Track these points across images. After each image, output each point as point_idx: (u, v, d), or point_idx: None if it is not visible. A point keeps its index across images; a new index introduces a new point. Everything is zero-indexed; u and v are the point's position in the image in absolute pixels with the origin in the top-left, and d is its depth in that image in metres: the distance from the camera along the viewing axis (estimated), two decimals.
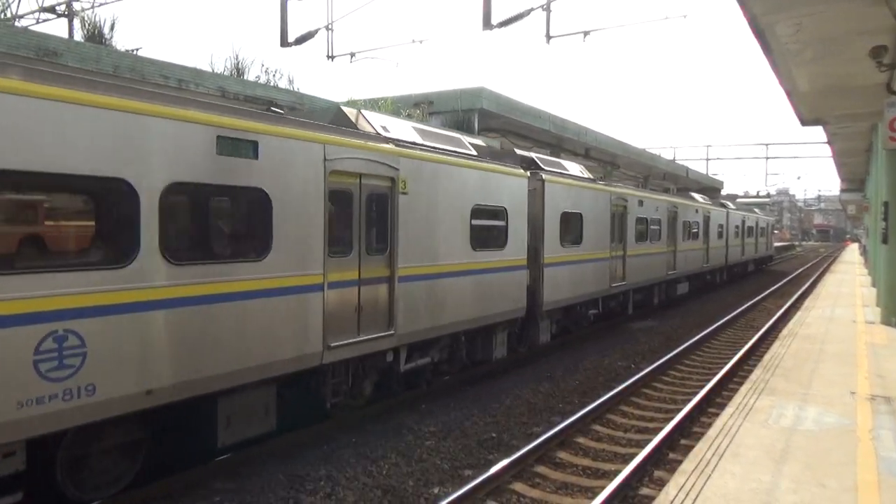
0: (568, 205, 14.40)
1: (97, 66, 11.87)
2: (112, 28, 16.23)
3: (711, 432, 6.86)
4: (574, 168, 16.17)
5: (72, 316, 5.44)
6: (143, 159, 5.91)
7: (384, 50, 16.03)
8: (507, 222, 11.92)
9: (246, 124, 6.89)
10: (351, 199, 8.43)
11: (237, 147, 6.77)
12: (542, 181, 13.41)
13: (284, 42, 15.12)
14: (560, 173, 14.54)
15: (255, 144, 6.97)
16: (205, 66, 16.98)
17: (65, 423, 5.48)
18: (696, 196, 27.95)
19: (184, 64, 13.83)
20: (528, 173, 12.96)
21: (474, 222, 10.91)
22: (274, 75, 19.58)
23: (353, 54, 16.70)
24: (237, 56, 23.70)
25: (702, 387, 11.47)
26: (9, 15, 19.36)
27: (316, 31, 15.32)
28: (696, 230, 25.14)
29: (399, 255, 9.16)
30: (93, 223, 5.87)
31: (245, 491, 7.05)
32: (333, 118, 9.19)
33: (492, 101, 20.64)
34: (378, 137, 9.07)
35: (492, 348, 12.07)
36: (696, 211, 25.32)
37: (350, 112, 9.38)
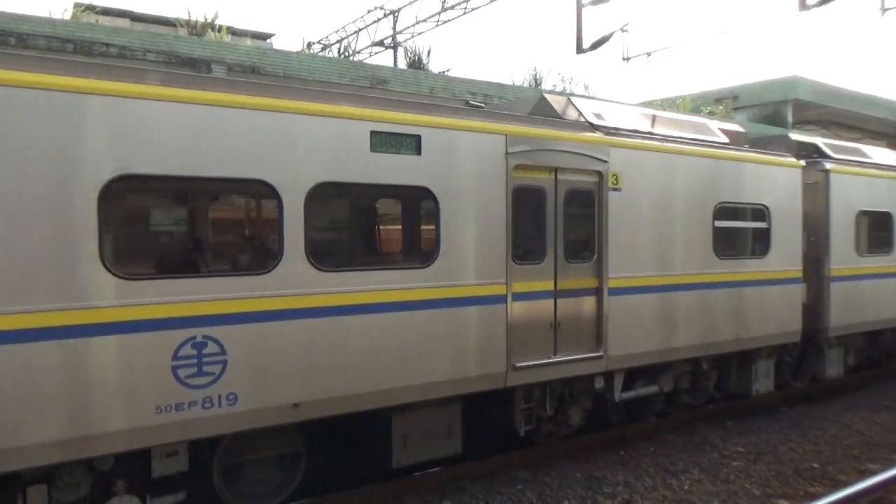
0: (868, 201, 11.14)
1: (417, 88, 13.58)
2: (429, 54, 18.66)
3: None
4: (886, 156, 12.58)
5: (211, 322, 5.30)
6: (285, 159, 5.59)
7: (681, 46, 15.12)
8: (769, 224, 9.51)
9: (404, 117, 6.25)
10: (543, 198, 7.28)
11: (395, 142, 6.16)
12: (826, 172, 10.53)
13: (580, 49, 14.90)
14: (855, 161, 11.34)
15: (416, 139, 6.29)
16: (506, 81, 18.06)
17: (204, 431, 5.35)
18: None
19: (489, 80, 14.46)
20: (803, 163, 10.26)
21: (719, 224, 8.85)
22: (570, 83, 20.22)
23: (648, 54, 16.30)
24: (535, 68, 25.47)
25: None
26: (349, 51, 22.57)
27: (611, 35, 14.93)
28: None
29: (609, 262, 7.70)
30: (230, 227, 5.74)
31: (544, 484, 7.27)
32: (534, 108, 8.13)
33: (808, 90, 18.01)
34: (582, 126, 7.77)
35: (751, 379, 9.71)
36: None
37: (556, 100, 8.23)
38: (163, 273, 5.20)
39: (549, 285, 7.31)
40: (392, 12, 21.48)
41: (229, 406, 5.40)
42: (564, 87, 20.10)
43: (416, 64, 18.39)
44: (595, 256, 7.67)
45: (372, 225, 6.55)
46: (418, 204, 6.47)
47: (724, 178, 8.95)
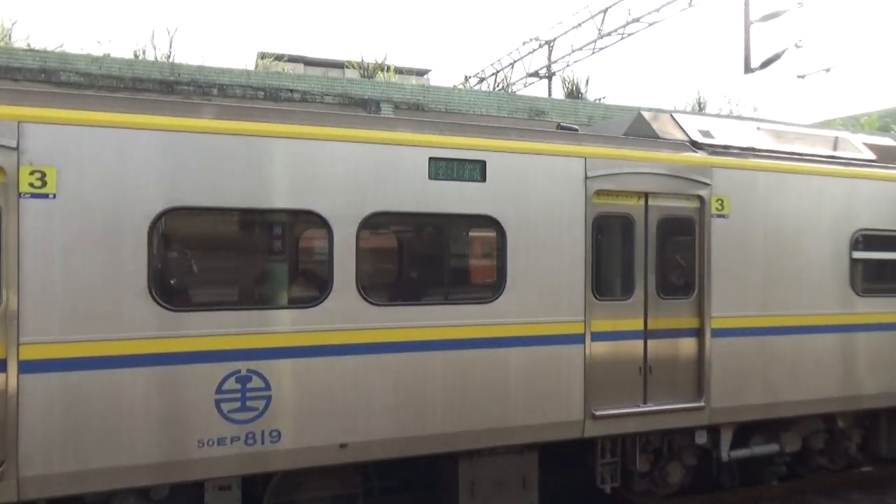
0: None
1: (574, 118, 13.69)
2: (587, 83, 18.30)
3: None
4: None
5: (255, 356, 5.19)
6: (335, 188, 5.40)
7: (864, 59, 14.18)
8: None
9: (467, 141, 5.85)
10: (630, 226, 6.53)
11: (456, 169, 5.78)
12: None
13: (748, 68, 14.28)
14: None
15: (480, 164, 5.86)
16: (667, 105, 18.01)
17: (246, 468, 5.22)
18: None
19: (648, 106, 14.43)
20: None
21: (858, 255, 7.52)
22: (736, 105, 19.83)
23: (827, 70, 15.38)
24: (698, 91, 24.65)
25: None
26: (505, 82, 23.10)
27: (783, 52, 14.20)
28: None
29: (713, 299, 6.75)
30: (277, 259, 5.61)
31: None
32: (630, 128, 7.41)
33: None
34: (679, 145, 6.94)
35: None
36: None
37: (654, 117, 7.44)
38: (205, 306, 5.17)
39: (638, 324, 6.52)
40: (547, 42, 21.47)
41: (272, 443, 5.24)
42: (731, 110, 19.47)
43: (574, 93, 18.35)
44: (695, 292, 6.76)
45: (430, 257, 6.20)
46: (483, 234, 6.02)
47: (865, 200, 7.62)
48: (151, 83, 11.66)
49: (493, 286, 5.94)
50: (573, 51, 20.32)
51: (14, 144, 4.57)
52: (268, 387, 5.22)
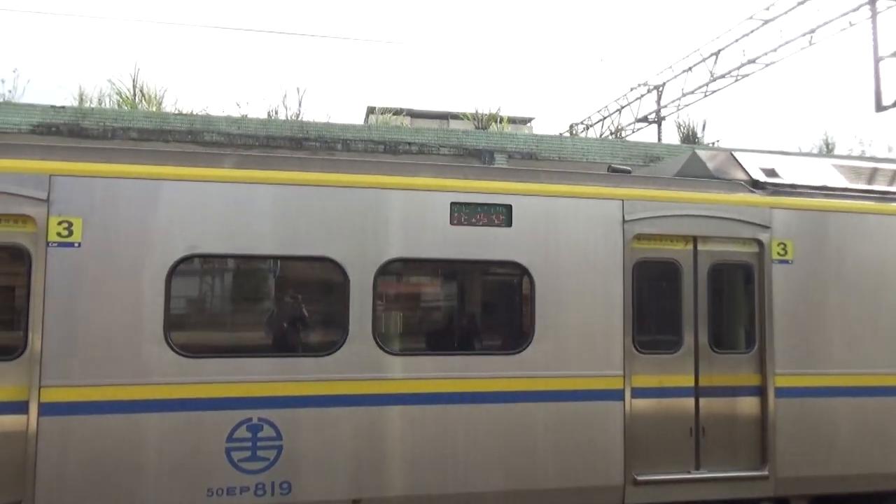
0: None
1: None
2: (703, 127, 18.41)
3: None
4: None
5: (267, 405, 5.12)
6: (353, 235, 5.33)
7: None
8: None
9: (491, 185, 5.64)
10: (677, 273, 6.03)
11: (479, 213, 5.57)
12: None
13: (879, 106, 13.54)
14: None
15: (506, 209, 5.63)
16: (791, 148, 18.01)
17: None
18: None
19: (770, 149, 14.36)
20: None
21: None
22: (868, 145, 18.88)
23: None
24: (825, 132, 24.57)
25: None
26: (613, 128, 23.17)
27: None
28: None
29: (777, 354, 6.06)
30: (293, 306, 5.55)
31: None
32: (683, 167, 6.93)
33: None
34: (734, 185, 6.39)
35: None
36: None
37: (710, 156, 6.91)
38: (218, 352, 5.19)
39: (688, 380, 5.94)
40: (656, 87, 21.22)
41: (282, 495, 5.10)
42: (862, 150, 18.96)
43: (691, 137, 18.11)
44: (756, 346, 6.10)
45: (451, 305, 5.95)
46: (509, 281, 5.75)
47: None
48: (283, 140, 12.60)
49: (520, 336, 5.61)
50: (684, 94, 19.84)
51: (45, 196, 4.84)
52: (279, 436, 5.12)
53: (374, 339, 5.29)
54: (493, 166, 5.99)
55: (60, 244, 4.87)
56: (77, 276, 4.87)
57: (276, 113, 15.04)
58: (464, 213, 5.55)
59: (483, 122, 16.45)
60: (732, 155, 6.99)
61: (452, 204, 5.54)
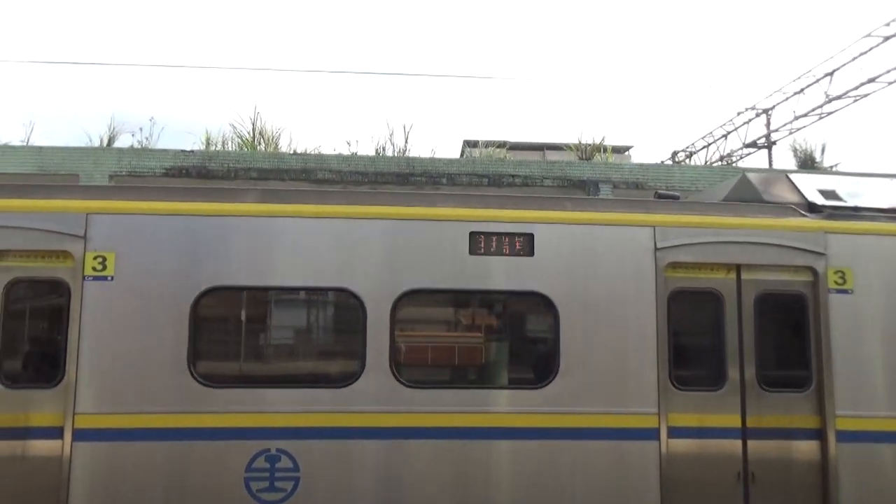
0: None
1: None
2: (822, 151, 17.63)
3: None
4: None
5: (284, 436, 5.16)
6: (370, 265, 5.35)
7: None
8: None
9: (512, 214, 5.52)
10: (719, 303, 5.62)
11: (499, 243, 5.45)
12: None
13: None
14: None
15: (527, 237, 5.48)
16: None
17: None
18: None
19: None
20: None
21: None
22: None
23: None
24: None
25: None
26: (719, 154, 22.43)
27: None
28: None
29: (838, 393, 5.50)
30: (309, 338, 5.59)
31: None
32: (732, 191, 6.51)
33: None
34: (784, 209, 5.92)
35: None
36: None
37: (761, 179, 6.46)
38: (238, 383, 5.29)
39: (734, 420, 5.48)
40: (765, 111, 20.24)
41: None
42: None
43: (809, 162, 17.35)
44: (813, 384, 5.56)
45: (471, 337, 5.79)
46: (531, 312, 5.55)
47: None
48: (390, 176, 13.06)
49: (544, 370, 5.38)
50: (796, 117, 18.67)
51: (82, 234, 5.18)
52: (296, 468, 5.14)
53: (392, 370, 5.24)
54: (513, 195, 5.86)
55: (95, 278, 5.18)
56: (109, 307, 5.15)
57: (384, 150, 15.38)
58: (483, 242, 5.45)
59: (587, 152, 16.09)
60: (787, 176, 6.52)
61: (472, 233, 5.46)
